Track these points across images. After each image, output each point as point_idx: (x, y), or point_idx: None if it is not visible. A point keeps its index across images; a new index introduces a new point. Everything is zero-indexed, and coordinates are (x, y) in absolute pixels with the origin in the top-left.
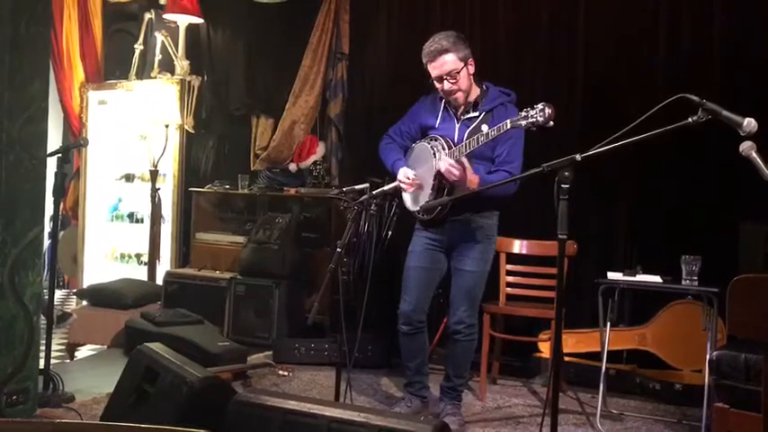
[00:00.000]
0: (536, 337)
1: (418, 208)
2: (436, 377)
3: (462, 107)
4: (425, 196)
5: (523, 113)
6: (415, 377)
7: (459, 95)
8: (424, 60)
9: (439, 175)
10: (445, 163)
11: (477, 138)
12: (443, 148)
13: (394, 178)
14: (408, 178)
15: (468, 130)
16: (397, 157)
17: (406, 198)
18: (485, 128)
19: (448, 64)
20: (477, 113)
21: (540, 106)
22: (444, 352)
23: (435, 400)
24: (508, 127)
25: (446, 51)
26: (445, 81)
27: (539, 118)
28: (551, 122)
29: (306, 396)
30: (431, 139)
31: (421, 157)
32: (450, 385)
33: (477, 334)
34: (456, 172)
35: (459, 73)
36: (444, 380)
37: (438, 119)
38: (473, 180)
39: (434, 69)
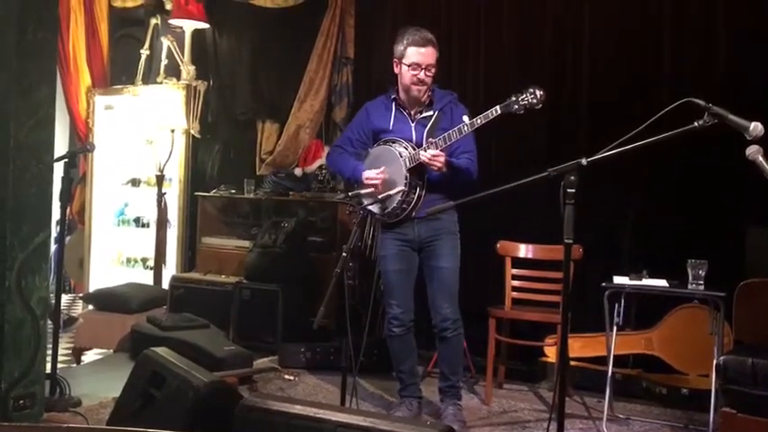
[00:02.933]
0: (542, 342)
1: (389, 210)
2: (435, 381)
3: (415, 107)
4: (397, 196)
5: (513, 98)
6: (409, 379)
7: (423, 89)
8: (405, 44)
9: (410, 173)
10: (429, 154)
11: (461, 128)
12: (407, 149)
13: (352, 187)
14: (377, 175)
15: (425, 130)
16: (356, 164)
17: (370, 203)
18: (466, 118)
19: (432, 56)
20: (431, 112)
21: (530, 89)
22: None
23: (435, 403)
24: (498, 112)
25: (433, 44)
26: (423, 71)
27: (531, 100)
28: (540, 105)
29: (311, 401)
30: (387, 142)
31: (381, 159)
32: (449, 384)
33: (463, 327)
34: (441, 159)
35: (434, 69)
36: (441, 380)
37: (391, 120)
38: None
39: (419, 56)
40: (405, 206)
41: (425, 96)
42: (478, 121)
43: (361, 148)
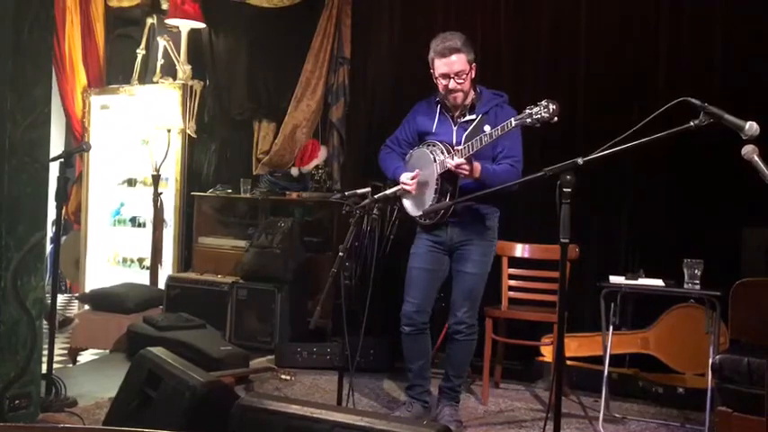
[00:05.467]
0: (538, 341)
1: (421, 212)
2: (437, 381)
3: (459, 110)
4: (429, 199)
5: (527, 111)
6: (416, 380)
7: (459, 96)
8: (432, 56)
9: (441, 178)
10: (453, 162)
11: (481, 138)
12: (443, 153)
13: (395, 184)
14: (411, 179)
15: (465, 133)
16: (398, 165)
17: (408, 204)
18: (487, 128)
19: (458, 63)
20: (474, 116)
21: (544, 102)
22: (444, 354)
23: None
24: (513, 125)
25: (458, 51)
26: (452, 80)
27: (544, 114)
28: (556, 118)
29: (308, 400)
30: (428, 145)
31: (420, 162)
32: (450, 385)
33: (477, 334)
34: (467, 167)
35: (466, 74)
36: (443, 380)
37: (435, 123)
38: (476, 167)
39: (444, 66)
40: (440, 210)
41: (468, 100)
42: (496, 132)
43: (408, 148)
